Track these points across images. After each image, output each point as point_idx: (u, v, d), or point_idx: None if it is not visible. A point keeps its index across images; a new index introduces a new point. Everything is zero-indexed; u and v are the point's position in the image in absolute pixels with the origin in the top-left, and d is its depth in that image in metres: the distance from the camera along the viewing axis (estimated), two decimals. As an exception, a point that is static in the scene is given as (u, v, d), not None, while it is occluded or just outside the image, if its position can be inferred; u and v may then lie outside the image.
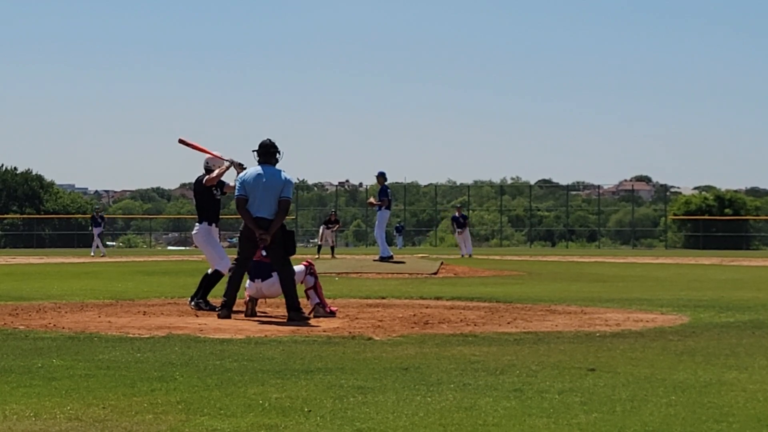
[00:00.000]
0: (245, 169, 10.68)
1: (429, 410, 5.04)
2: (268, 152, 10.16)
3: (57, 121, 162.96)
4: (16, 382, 5.86)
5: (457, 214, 36.40)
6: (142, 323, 9.48)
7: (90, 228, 39.65)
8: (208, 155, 11.43)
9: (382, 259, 22.41)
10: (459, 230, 35.53)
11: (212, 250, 11.42)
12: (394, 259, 23.01)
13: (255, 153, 10.20)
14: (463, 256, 33.85)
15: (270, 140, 10.24)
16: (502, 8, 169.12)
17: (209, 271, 11.42)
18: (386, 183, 22.98)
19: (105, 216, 43.72)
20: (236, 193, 10.13)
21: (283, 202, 10.00)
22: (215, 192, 11.36)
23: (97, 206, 48.33)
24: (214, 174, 11.17)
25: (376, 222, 23.51)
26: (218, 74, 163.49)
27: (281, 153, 10.22)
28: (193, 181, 11.70)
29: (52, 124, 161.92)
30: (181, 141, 11.63)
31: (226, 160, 11.22)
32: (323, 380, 5.94)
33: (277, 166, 10.17)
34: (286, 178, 10.06)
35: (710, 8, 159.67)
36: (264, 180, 10.00)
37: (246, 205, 10.01)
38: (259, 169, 10.12)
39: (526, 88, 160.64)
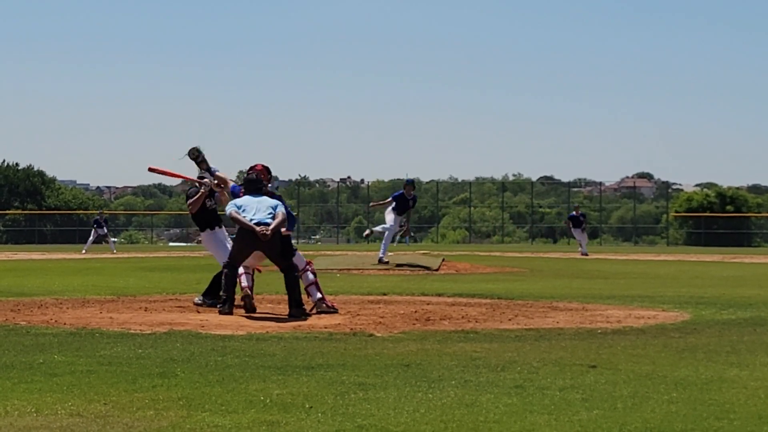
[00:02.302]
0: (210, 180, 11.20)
1: (430, 407, 5.04)
2: (255, 187, 10.63)
3: (59, 117, 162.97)
4: (18, 378, 5.87)
5: (575, 213, 35.83)
6: (143, 319, 9.49)
7: (94, 228, 39.45)
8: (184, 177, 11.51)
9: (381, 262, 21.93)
10: (577, 229, 35.04)
11: (221, 252, 11.43)
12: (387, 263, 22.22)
13: (241, 188, 10.72)
14: (584, 254, 33.62)
15: (256, 176, 10.70)
16: (503, 6, 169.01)
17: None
18: (399, 192, 22.11)
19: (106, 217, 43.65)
20: (228, 209, 10.46)
21: (279, 213, 10.32)
22: (208, 202, 11.37)
23: (99, 209, 48.55)
24: (194, 200, 11.19)
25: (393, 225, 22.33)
26: (219, 71, 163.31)
27: (264, 185, 10.74)
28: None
29: (53, 121, 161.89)
30: (150, 169, 11.77)
31: (201, 183, 11.25)
32: (324, 377, 5.94)
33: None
34: (277, 203, 10.45)
35: (711, 6, 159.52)
36: (257, 200, 10.43)
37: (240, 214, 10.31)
38: (249, 196, 10.55)
39: (528, 85, 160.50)
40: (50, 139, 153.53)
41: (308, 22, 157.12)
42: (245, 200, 10.44)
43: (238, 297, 10.44)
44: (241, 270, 10.63)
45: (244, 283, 10.55)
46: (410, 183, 22.27)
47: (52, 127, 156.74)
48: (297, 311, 9.98)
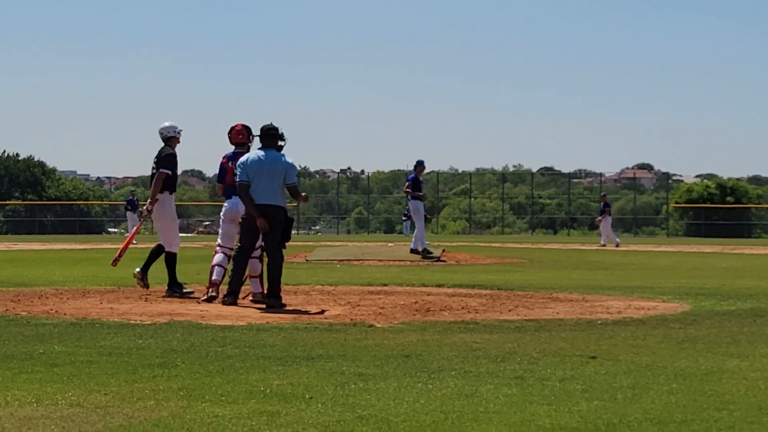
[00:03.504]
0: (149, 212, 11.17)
1: (430, 397, 5.04)
2: (270, 136, 9.95)
3: (59, 107, 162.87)
4: (18, 368, 5.87)
5: (602, 202, 34.69)
6: (143, 310, 9.49)
7: (128, 211, 37.88)
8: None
9: (415, 252, 21.10)
10: (599, 218, 33.95)
11: (168, 227, 11.48)
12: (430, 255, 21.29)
13: (257, 137, 10.10)
14: (603, 245, 32.80)
15: (272, 124, 10.01)
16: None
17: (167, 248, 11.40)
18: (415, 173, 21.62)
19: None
20: (238, 179, 9.85)
21: (291, 189, 9.88)
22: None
23: (131, 191, 47.50)
24: (156, 188, 11.28)
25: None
26: (219, 63, 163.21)
27: (285, 140, 10.04)
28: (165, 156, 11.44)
29: (54, 111, 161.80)
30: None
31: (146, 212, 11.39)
32: (324, 367, 5.95)
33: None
34: (288, 163, 9.89)
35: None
36: (266, 166, 9.80)
37: (249, 190, 9.81)
38: (260, 153, 9.92)
39: (528, 76, 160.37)
40: (51, 129, 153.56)
41: (309, 15, 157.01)
42: (255, 169, 9.76)
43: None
44: (217, 260, 10.60)
45: (214, 276, 10.56)
46: (422, 163, 21.75)
47: (53, 117, 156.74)
48: (275, 302, 9.73)
